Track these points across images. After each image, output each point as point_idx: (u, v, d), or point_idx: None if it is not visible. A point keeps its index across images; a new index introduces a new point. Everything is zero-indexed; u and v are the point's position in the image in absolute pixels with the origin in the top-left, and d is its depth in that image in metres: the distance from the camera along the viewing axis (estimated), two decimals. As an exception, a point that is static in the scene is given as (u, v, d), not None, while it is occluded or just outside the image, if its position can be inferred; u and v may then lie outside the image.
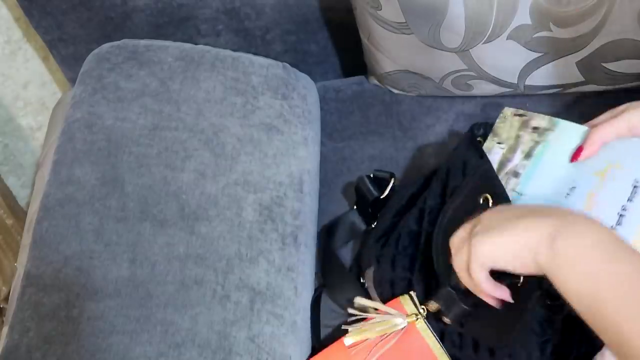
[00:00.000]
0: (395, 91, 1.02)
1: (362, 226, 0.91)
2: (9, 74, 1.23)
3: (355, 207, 0.91)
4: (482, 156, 0.77)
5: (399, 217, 0.84)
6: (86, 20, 1.00)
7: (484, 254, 0.60)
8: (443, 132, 0.98)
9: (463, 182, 0.77)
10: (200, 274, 0.79)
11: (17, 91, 1.26)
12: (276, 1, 0.98)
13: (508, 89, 0.94)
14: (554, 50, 0.86)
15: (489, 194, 0.74)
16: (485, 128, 0.81)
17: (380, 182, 0.87)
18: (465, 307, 0.69)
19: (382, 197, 0.86)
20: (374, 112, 1.02)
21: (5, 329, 0.79)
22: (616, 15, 0.80)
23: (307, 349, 0.82)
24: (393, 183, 0.87)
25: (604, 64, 0.87)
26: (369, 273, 0.83)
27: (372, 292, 0.82)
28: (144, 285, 0.78)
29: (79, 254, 0.79)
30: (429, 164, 0.96)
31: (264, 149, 0.89)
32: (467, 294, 0.68)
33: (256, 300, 0.79)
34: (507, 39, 0.84)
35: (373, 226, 0.88)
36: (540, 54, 0.87)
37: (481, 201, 0.74)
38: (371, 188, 0.87)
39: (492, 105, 0.98)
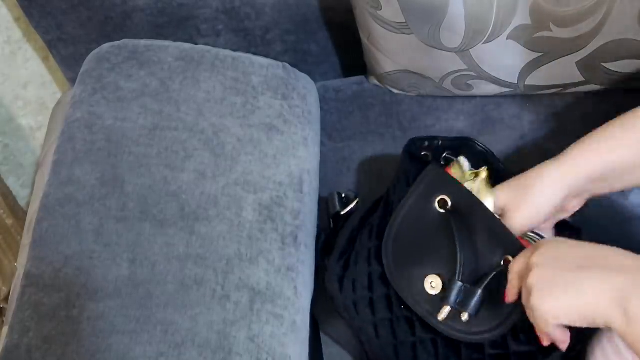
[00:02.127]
0: (395, 91, 1.02)
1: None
2: (9, 74, 1.23)
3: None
4: (430, 163, 0.78)
5: (354, 239, 0.83)
6: (86, 20, 1.00)
7: (546, 312, 0.58)
8: (443, 132, 0.98)
9: (410, 189, 0.77)
10: (200, 274, 0.79)
11: (17, 91, 1.26)
12: (276, 1, 0.98)
13: (508, 89, 0.94)
14: (554, 50, 0.86)
15: (445, 195, 0.74)
16: (430, 142, 0.82)
17: (346, 202, 0.88)
18: (480, 289, 0.69)
19: (342, 213, 0.87)
20: (374, 112, 1.02)
21: (5, 329, 0.79)
22: (616, 15, 0.80)
23: (307, 349, 0.82)
24: (356, 204, 0.87)
25: (604, 64, 0.87)
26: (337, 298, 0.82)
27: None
28: (144, 285, 0.78)
29: (79, 254, 0.79)
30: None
31: (264, 149, 0.89)
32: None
33: (256, 300, 0.79)
34: (507, 39, 0.84)
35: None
36: (540, 54, 0.87)
37: (437, 204, 0.75)
38: (336, 204, 0.88)
39: (492, 105, 0.98)
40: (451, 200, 0.74)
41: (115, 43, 0.96)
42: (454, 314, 0.71)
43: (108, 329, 0.75)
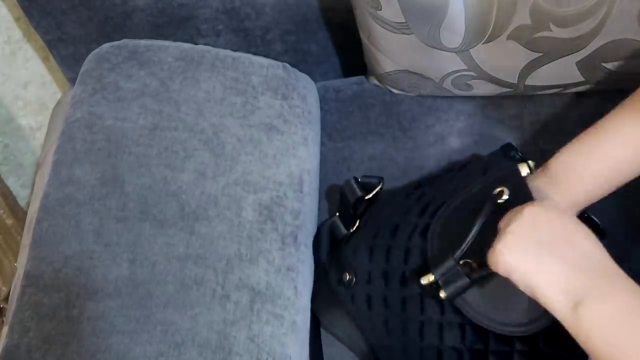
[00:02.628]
0: (395, 91, 1.02)
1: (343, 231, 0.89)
2: (9, 74, 1.23)
3: (337, 213, 0.90)
4: (515, 162, 0.76)
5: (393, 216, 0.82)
6: (86, 20, 1.00)
7: (503, 262, 0.60)
8: (443, 132, 0.98)
9: (482, 178, 0.76)
10: (200, 274, 0.79)
11: (17, 91, 1.26)
12: (276, 1, 0.98)
13: (508, 89, 0.94)
14: (554, 50, 0.86)
15: (506, 187, 0.72)
16: (517, 153, 0.81)
17: (366, 187, 0.86)
18: (469, 279, 0.67)
19: (366, 197, 0.85)
20: (374, 112, 1.02)
21: (5, 329, 0.79)
22: (616, 15, 0.80)
23: (307, 349, 0.82)
24: (380, 187, 0.86)
25: (604, 64, 0.87)
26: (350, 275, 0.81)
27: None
28: (144, 285, 0.78)
29: (79, 254, 0.79)
30: (429, 164, 0.96)
31: (264, 149, 0.89)
32: (471, 271, 0.68)
33: (256, 300, 0.79)
34: (507, 39, 0.84)
35: (352, 230, 0.86)
36: (540, 54, 0.87)
37: (496, 192, 0.72)
38: (356, 189, 0.85)
39: (492, 105, 0.98)
40: (509, 195, 0.72)
41: (115, 43, 0.96)
42: (435, 288, 0.69)
43: (108, 329, 0.75)
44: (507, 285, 0.64)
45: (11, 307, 0.82)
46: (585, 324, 0.55)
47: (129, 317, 0.76)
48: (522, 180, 0.73)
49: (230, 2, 0.98)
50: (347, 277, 0.81)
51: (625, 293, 0.55)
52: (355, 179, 0.86)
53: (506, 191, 0.71)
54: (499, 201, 0.71)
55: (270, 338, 0.77)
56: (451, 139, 0.97)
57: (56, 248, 0.80)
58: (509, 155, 0.81)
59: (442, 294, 0.68)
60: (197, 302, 0.77)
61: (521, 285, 0.60)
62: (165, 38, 0.99)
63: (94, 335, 0.75)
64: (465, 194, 0.76)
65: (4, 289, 1.15)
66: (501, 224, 0.64)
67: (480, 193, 0.75)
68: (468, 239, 0.69)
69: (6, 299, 1.12)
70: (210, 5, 0.98)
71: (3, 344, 0.77)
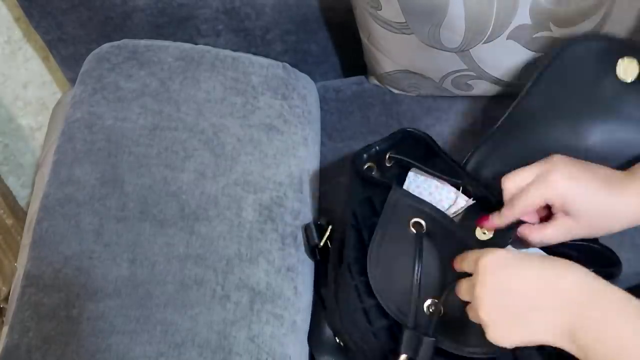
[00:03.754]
0: (395, 91, 1.03)
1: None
2: (9, 74, 1.23)
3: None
4: (381, 185, 0.76)
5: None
6: (86, 20, 1.00)
7: (502, 342, 0.60)
8: (443, 132, 0.98)
9: (380, 218, 0.75)
10: (200, 274, 0.79)
11: (17, 91, 1.26)
12: (276, 1, 0.98)
13: (508, 89, 0.94)
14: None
15: (419, 217, 0.73)
16: (368, 150, 0.80)
17: (322, 231, 0.84)
18: (431, 339, 0.67)
19: (319, 246, 0.83)
20: (374, 112, 1.02)
21: (5, 329, 0.79)
22: (616, 15, 0.80)
23: (307, 349, 0.82)
24: (330, 231, 0.83)
25: (604, 64, 0.87)
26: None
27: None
28: (144, 285, 0.78)
29: (79, 254, 0.79)
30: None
31: (264, 149, 0.89)
32: (431, 316, 0.68)
33: (256, 300, 0.79)
34: (507, 39, 0.84)
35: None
36: (540, 54, 0.87)
37: (413, 229, 0.73)
38: (314, 235, 0.84)
39: (492, 105, 0.98)
40: (425, 222, 0.73)
41: (115, 43, 0.96)
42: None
43: (108, 329, 0.75)
44: (462, 311, 0.65)
45: (11, 307, 0.82)
46: (586, 350, 0.55)
47: (129, 317, 0.76)
48: (423, 203, 0.74)
49: (230, 2, 0.98)
50: (337, 340, 0.80)
51: (615, 310, 0.55)
52: (315, 223, 0.85)
53: (422, 221, 0.73)
54: (420, 232, 0.72)
55: (270, 338, 0.77)
56: (451, 139, 0.97)
57: (56, 248, 0.80)
58: (369, 179, 0.79)
59: None
60: (197, 302, 0.77)
61: (533, 345, 0.60)
62: (165, 38, 0.99)
63: (93, 335, 0.75)
64: (378, 241, 0.74)
65: (4, 289, 1.15)
66: (460, 287, 0.64)
67: (394, 236, 0.74)
68: (413, 295, 0.70)
69: (6, 299, 1.12)
70: (210, 5, 0.98)
71: (3, 344, 0.77)
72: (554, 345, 0.58)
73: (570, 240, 0.69)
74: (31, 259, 0.80)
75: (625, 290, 0.56)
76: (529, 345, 0.59)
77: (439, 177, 0.78)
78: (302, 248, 0.85)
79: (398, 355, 0.69)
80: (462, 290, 0.64)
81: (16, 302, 0.79)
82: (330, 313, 0.80)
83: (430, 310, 0.70)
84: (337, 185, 0.97)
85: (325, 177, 0.97)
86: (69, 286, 0.77)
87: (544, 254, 0.67)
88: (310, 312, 0.84)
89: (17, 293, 0.79)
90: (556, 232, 0.68)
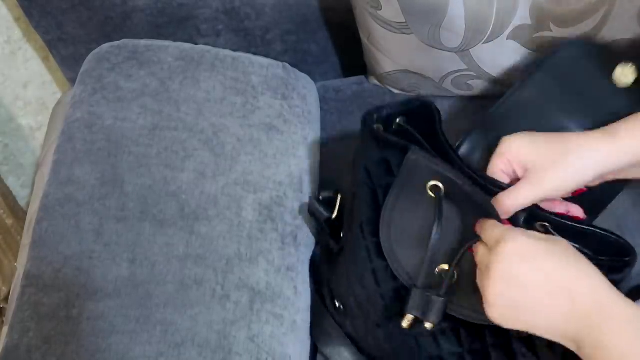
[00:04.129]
0: (395, 91, 1.03)
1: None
2: (9, 74, 1.23)
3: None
4: (398, 145, 0.74)
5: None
6: (86, 20, 1.00)
7: (504, 324, 0.60)
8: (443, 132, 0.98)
9: (396, 180, 0.73)
10: (200, 274, 0.79)
11: (17, 91, 1.26)
12: (276, 1, 0.98)
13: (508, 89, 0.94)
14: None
15: (437, 180, 0.71)
16: (380, 112, 0.78)
17: (330, 202, 0.83)
18: (442, 299, 0.66)
19: (333, 217, 0.82)
20: (374, 112, 1.02)
21: (5, 329, 0.79)
22: (616, 15, 0.80)
23: (307, 349, 0.82)
24: (340, 199, 0.82)
25: (604, 64, 0.87)
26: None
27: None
28: (144, 285, 0.78)
29: (79, 254, 0.79)
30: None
31: (264, 149, 0.89)
32: (441, 281, 0.67)
33: (256, 300, 0.79)
34: (507, 39, 0.84)
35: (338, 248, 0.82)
36: (540, 54, 0.87)
37: (429, 191, 0.71)
38: (321, 210, 0.82)
39: (492, 105, 0.98)
40: (443, 185, 0.71)
41: (115, 43, 0.96)
42: (419, 321, 0.68)
43: (108, 329, 0.75)
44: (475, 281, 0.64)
45: (11, 307, 0.82)
46: (590, 358, 0.55)
47: (129, 317, 0.76)
48: (441, 165, 0.72)
49: (230, 2, 0.98)
50: (337, 304, 0.80)
51: (625, 327, 0.54)
52: (317, 198, 0.84)
53: (439, 184, 0.71)
54: (438, 195, 0.71)
55: (270, 338, 0.77)
56: (451, 138, 0.97)
57: (56, 248, 0.80)
58: (384, 140, 0.77)
59: (428, 326, 0.67)
60: (197, 302, 0.77)
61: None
62: (165, 38, 0.99)
63: (93, 335, 0.75)
64: (394, 202, 0.73)
65: (4, 289, 1.15)
66: (477, 250, 0.64)
67: (410, 197, 0.72)
68: (427, 256, 0.69)
69: (6, 299, 1.12)
70: (210, 5, 0.98)
71: (3, 344, 0.77)
72: (551, 340, 0.58)
73: (585, 226, 0.69)
74: (31, 259, 0.80)
75: (626, 290, 0.56)
76: (527, 332, 0.59)
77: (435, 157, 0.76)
78: (302, 248, 0.85)
79: (404, 316, 0.68)
80: (479, 254, 0.63)
81: (16, 302, 0.79)
82: (339, 276, 0.79)
83: (442, 275, 0.69)
84: (337, 185, 0.97)
85: (325, 177, 0.97)
86: (69, 286, 0.77)
87: (569, 243, 0.66)
88: (310, 312, 0.84)
89: (17, 293, 0.79)
90: (523, 190, 0.68)
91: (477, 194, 0.69)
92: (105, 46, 0.96)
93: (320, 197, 0.84)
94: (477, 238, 0.65)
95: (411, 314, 0.68)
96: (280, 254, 0.83)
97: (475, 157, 0.82)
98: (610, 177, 0.70)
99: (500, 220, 0.66)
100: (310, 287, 0.85)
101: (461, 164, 0.74)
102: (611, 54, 0.79)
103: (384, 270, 0.73)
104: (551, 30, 0.83)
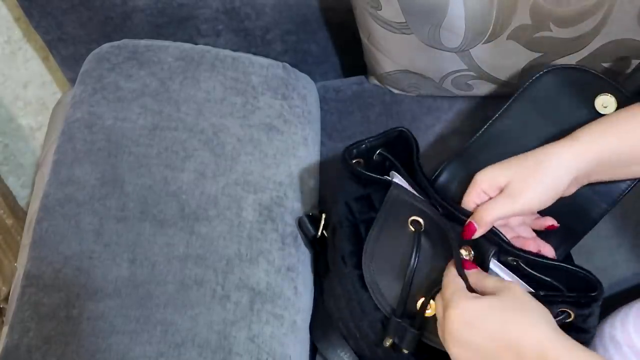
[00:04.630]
0: (395, 91, 1.03)
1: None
2: (9, 74, 1.23)
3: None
4: (378, 182, 0.76)
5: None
6: (86, 20, 1.00)
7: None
8: (443, 132, 0.98)
9: (378, 215, 0.76)
10: (200, 274, 0.79)
11: (17, 91, 1.26)
12: (276, 1, 0.98)
13: (508, 89, 0.94)
14: (554, 50, 0.86)
15: (417, 216, 0.73)
16: (359, 146, 0.81)
17: (317, 220, 0.85)
18: (415, 331, 0.69)
19: (317, 237, 0.84)
20: (374, 112, 1.02)
21: (5, 329, 0.79)
22: (616, 15, 0.80)
23: (307, 349, 0.82)
24: (325, 220, 0.84)
25: (604, 64, 0.87)
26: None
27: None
28: (144, 285, 0.78)
29: (79, 254, 0.79)
30: (429, 164, 0.96)
31: (264, 149, 0.89)
32: (413, 318, 0.70)
33: (256, 300, 0.79)
34: (507, 39, 0.84)
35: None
36: (540, 54, 0.87)
37: (411, 227, 0.73)
38: (309, 227, 0.84)
39: (492, 105, 0.98)
40: (423, 220, 0.73)
41: (115, 43, 0.96)
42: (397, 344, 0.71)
43: (108, 329, 0.75)
44: None
45: (11, 307, 0.82)
46: None
47: (129, 317, 0.76)
48: (421, 201, 0.74)
49: (230, 2, 0.98)
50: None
51: None
52: (307, 215, 0.85)
53: (420, 220, 0.73)
54: (417, 230, 0.73)
55: (270, 338, 0.77)
56: (451, 138, 0.97)
57: (56, 248, 0.80)
58: (364, 177, 0.79)
59: (405, 351, 0.70)
60: (197, 302, 0.77)
61: None
62: (165, 38, 0.99)
63: (93, 335, 0.75)
64: (376, 235, 0.75)
65: (4, 289, 1.15)
66: (437, 302, 0.66)
67: (391, 233, 0.74)
68: (402, 288, 0.71)
69: (6, 299, 1.12)
70: (210, 5, 0.98)
71: (3, 344, 0.77)
72: None
73: (555, 262, 0.70)
74: (31, 259, 0.80)
75: (625, 291, 0.57)
76: None
77: (412, 186, 0.78)
78: (302, 248, 0.85)
79: (384, 338, 0.71)
80: (437, 308, 0.66)
81: (16, 302, 0.79)
82: (327, 298, 0.81)
83: (418, 306, 0.71)
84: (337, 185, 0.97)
85: (325, 177, 0.97)
86: (69, 286, 0.77)
87: (527, 286, 0.68)
88: (311, 312, 0.84)
89: (17, 293, 0.79)
90: (500, 202, 0.70)
91: (451, 232, 0.71)
92: (105, 46, 0.96)
93: (311, 214, 0.86)
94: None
95: (391, 339, 0.71)
96: (280, 254, 0.83)
97: (453, 186, 0.83)
98: (586, 181, 0.72)
99: (462, 267, 0.67)
100: (311, 287, 0.86)
101: (436, 196, 0.75)
102: (593, 83, 0.80)
103: (369, 301, 0.75)
104: (551, 30, 0.83)
